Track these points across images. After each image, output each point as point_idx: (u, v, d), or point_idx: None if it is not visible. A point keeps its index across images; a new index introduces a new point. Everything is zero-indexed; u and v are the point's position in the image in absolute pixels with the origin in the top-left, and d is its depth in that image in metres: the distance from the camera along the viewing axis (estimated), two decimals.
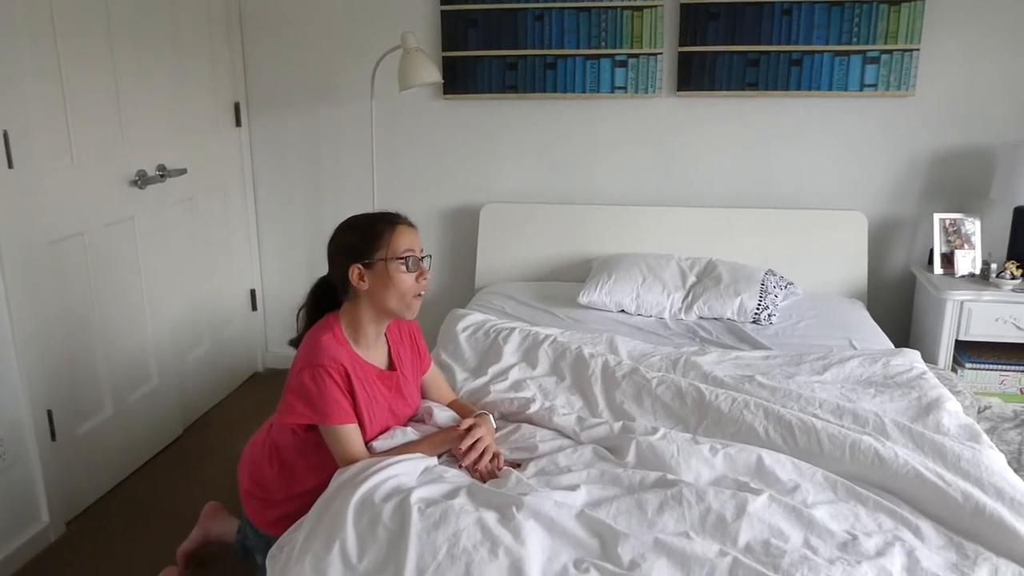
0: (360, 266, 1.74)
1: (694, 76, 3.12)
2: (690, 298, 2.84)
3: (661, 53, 3.13)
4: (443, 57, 3.27)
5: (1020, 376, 2.86)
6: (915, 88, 3.01)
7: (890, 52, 2.98)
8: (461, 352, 2.39)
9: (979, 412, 2.46)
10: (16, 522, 2.30)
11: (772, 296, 2.78)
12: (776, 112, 3.15)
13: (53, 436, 2.42)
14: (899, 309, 3.26)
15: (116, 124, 2.64)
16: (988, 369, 2.87)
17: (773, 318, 2.74)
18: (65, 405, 2.47)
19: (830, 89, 3.05)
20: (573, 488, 1.59)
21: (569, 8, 3.14)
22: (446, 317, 2.63)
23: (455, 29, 3.23)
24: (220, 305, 3.39)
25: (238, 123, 3.45)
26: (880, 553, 1.42)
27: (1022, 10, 2.92)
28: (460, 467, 1.72)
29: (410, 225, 1.81)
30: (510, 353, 2.33)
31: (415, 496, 1.49)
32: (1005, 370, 2.86)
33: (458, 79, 3.28)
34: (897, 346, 2.53)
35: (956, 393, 2.27)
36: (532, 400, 2.02)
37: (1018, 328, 2.79)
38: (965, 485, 1.58)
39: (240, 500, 1.95)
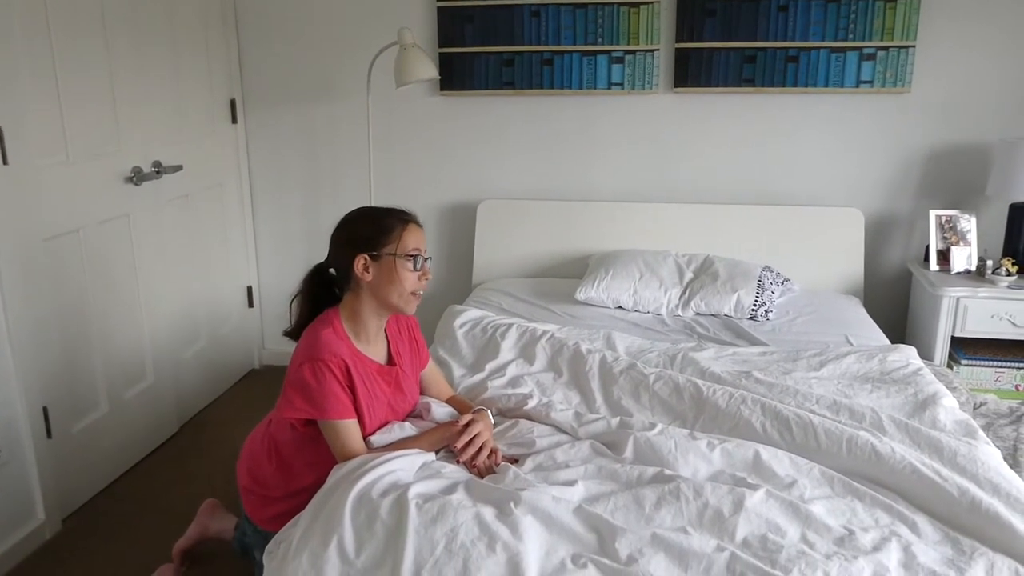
0: (367, 256, 1.74)
1: (691, 72, 3.12)
2: (687, 294, 2.84)
3: (658, 49, 3.13)
4: (440, 53, 3.26)
5: (1015, 372, 2.87)
6: (911, 85, 3.01)
7: (886, 49, 2.99)
8: (458, 348, 2.39)
9: (975, 408, 2.47)
10: (12, 519, 2.29)
11: (769, 292, 2.79)
12: (773, 109, 3.15)
13: (49, 433, 2.41)
14: (895, 305, 3.26)
15: (112, 120, 2.63)
16: (984, 365, 2.88)
17: (770, 314, 2.74)
18: (61, 402, 2.46)
19: (826, 86, 3.05)
20: (571, 483, 1.59)
21: (566, 4, 3.13)
22: (443, 313, 2.63)
23: (451, 25, 3.23)
24: (216, 302, 3.38)
25: (234, 120, 3.44)
26: (877, 548, 1.42)
27: (1018, 7, 2.92)
28: (458, 463, 1.72)
29: (420, 225, 1.82)
30: (507, 349, 2.33)
31: (413, 491, 1.49)
32: (1000, 366, 2.87)
33: (455, 75, 3.28)
34: (893, 342, 2.53)
35: (952, 389, 2.28)
36: (530, 396, 2.02)
37: (1014, 324, 2.80)
38: (961, 481, 1.58)
39: (239, 496, 1.95)
